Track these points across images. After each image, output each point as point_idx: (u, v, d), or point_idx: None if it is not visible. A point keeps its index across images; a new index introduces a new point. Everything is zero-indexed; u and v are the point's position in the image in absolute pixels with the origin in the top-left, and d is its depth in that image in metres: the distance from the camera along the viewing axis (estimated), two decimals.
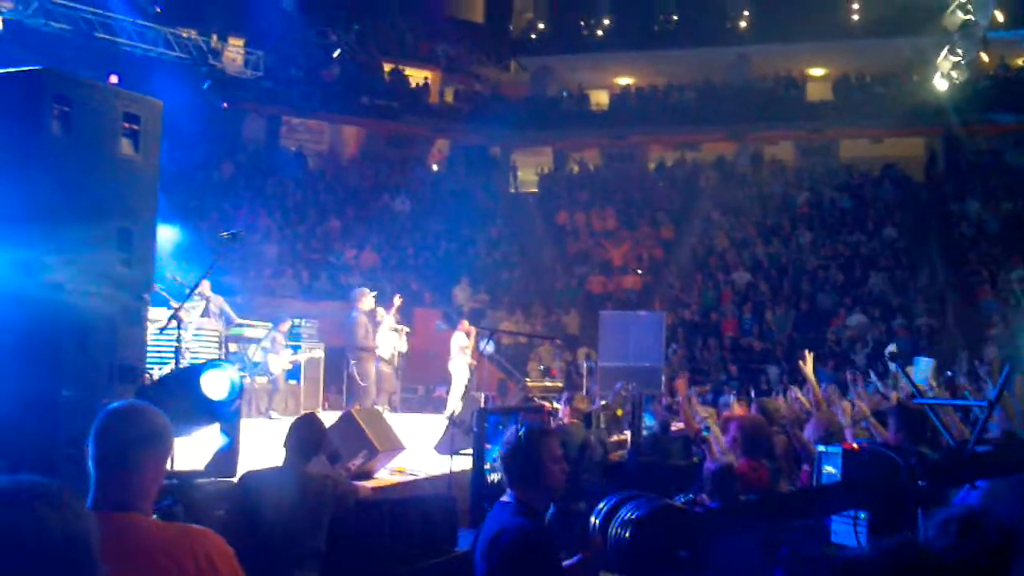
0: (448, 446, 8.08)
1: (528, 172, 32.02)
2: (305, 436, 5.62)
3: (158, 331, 7.77)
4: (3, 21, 20.62)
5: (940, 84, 24.23)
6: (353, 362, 12.95)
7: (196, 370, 6.34)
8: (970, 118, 25.24)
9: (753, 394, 11.19)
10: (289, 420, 6.42)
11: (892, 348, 13.11)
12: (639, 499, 2.13)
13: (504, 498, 3.98)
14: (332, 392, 15.42)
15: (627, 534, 2.05)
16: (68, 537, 1.72)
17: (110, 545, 2.45)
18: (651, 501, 2.12)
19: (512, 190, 31.06)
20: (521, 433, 3.97)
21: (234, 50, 26.03)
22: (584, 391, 12.49)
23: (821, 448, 4.00)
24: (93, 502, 2.55)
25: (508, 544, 3.72)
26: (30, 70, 5.63)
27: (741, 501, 4.82)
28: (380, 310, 13.89)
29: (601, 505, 2.16)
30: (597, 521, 2.14)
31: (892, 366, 10.22)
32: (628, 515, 2.08)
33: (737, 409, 9.19)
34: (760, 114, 28.02)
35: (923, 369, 11.91)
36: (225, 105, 24.69)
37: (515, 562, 3.70)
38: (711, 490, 5.08)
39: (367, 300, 13.26)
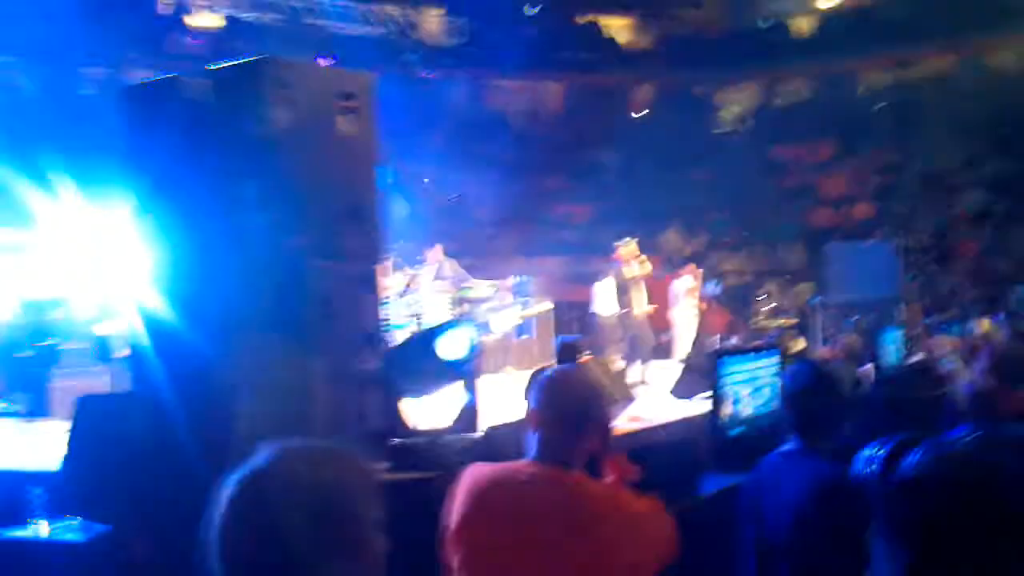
0: (684, 390, 8.00)
1: (733, 109, 31.06)
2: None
3: (397, 296, 8.03)
4: (225, 18, 21.90)
5: None
6: (620, 312, 11.92)
7: (435, 332, 6.53)
8: None
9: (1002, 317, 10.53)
10: (523, 375, 6.51)
11: None
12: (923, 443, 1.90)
13: (787, 446, 3.51)
14: None
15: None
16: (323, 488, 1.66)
17: (548, 496, 2.64)
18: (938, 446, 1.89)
19: (717, 131, 30.24)
20: (819, 372, 3.52)
21: (433, 19, 26.40)
22: (819, 327, 12.05)
23: None
24: (538, 456, 2.76)
25: (846, 498, 3.05)
26: (250, 60, 5.83)
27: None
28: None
29: (876, 450, 1.91)
30: (875, 468, 1.89)
31: None
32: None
33: (986, 331, 8.67)
34: (983, 20, 25.83)
35: None
36: (431, 75, 25.13)
37: (855, 516, 3.18)
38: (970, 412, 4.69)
39: (631, 248, 12.23)
